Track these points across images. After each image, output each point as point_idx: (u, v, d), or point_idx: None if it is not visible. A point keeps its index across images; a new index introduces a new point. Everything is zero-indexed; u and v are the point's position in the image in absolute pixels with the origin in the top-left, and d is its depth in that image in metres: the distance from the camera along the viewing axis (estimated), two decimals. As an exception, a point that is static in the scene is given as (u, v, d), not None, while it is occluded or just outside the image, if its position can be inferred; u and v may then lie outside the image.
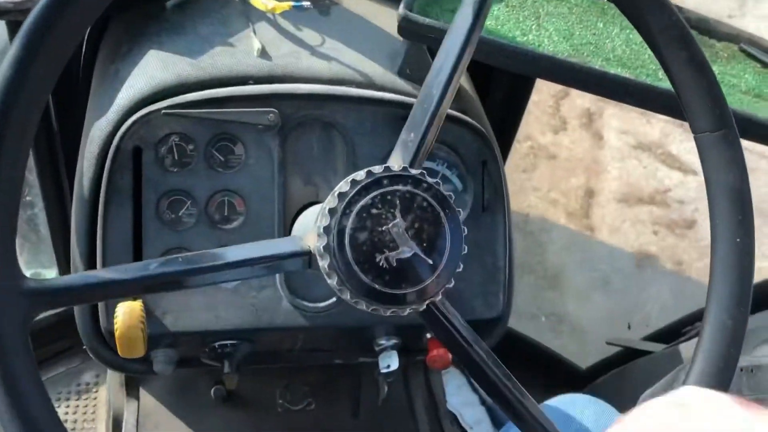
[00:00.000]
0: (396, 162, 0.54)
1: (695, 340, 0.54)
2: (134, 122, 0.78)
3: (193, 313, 0.79)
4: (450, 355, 0.88)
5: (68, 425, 1.32)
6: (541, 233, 2.13)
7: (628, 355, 1.33)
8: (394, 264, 0.48)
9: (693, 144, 0.53)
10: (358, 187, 0.49)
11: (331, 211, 0.49)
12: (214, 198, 0.81)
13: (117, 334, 0.67)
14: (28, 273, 1.77)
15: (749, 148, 0.82)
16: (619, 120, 2.43)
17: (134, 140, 0.78)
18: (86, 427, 1.32)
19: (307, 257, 0.51)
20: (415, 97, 0.87)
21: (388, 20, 1.03)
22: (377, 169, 0.50)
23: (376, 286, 0.48)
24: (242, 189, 0.82)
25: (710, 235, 0.52)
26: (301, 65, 0.86)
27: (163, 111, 0.77)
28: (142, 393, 1.18)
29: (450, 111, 0.87)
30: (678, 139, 2.38)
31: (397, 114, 0.85)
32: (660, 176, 2.32)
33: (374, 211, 0.48)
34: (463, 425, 1.48)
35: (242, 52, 0.86)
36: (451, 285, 0.52)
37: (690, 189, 2.26)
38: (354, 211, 0.48)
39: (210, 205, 0.81)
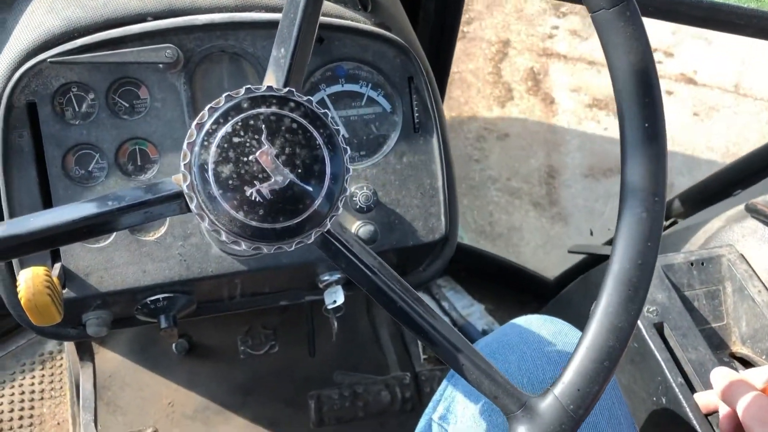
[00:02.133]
0: (269, 83, 0.49)
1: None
2: (22, 75, 0.72)
3: (119, 270, 0.76)
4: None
5: (35, 395, 1.30)
6: (510, 234, 1.88)
7: (592, 261, 1.32)
8: (269, 196, 0.43)
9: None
10: (216, 114, 0.44)
11: (190, 145, 0.44)
12: (124, 147, 0.76)
13: (22, 302, 0.63)
14: None
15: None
16: (567, 75, 2.22)
17: (26, 95, 0.73)
18: (53, 395, 1.30)
19: (182, 200, 0.46)
20: (330, 15, 0.82)
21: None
22: (240, 92, 0.45)
23: (252, 222, 0.43)
24: (152, 135, 0.76)
25: (618, 124, 0.48)
26: (202, -6, 0.79)
27: (50, 60, 0.71)
28: (100, 356, 1.16)
29: (367, 26, 0.82)
30: None
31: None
32: (623, 136, 2.14)
33: (237, 139, 0.43)
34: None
35: (138, -13, 0.79)
36: (339, 212, 0.48)
37: (656, 146, 2.12)
38: (214, 143, 0.43)
39: (120, 155, 0.76)
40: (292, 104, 0.45)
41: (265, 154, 0.43)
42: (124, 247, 0.76)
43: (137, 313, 0.81)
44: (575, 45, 2.29)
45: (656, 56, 2.22)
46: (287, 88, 0.46)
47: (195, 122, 0.45)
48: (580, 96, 2.17)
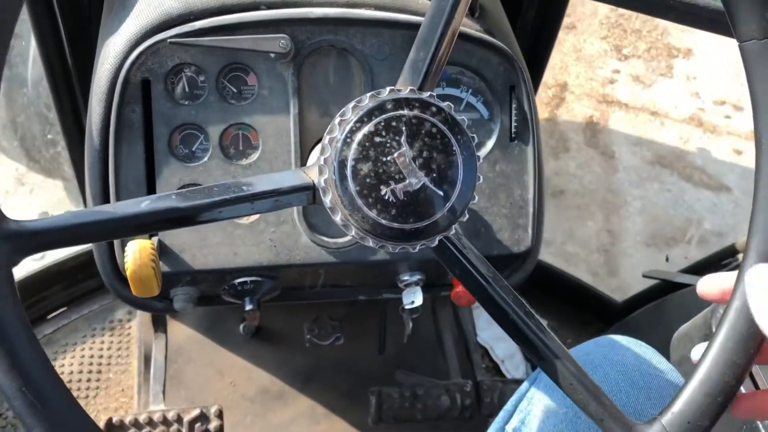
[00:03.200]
0: (404, 85, 0.49)
1: (735, 272, 0.49)
2: (141, 53, 0.74)
3: (211, 249, 0.78)
4: (476, 291, 0.86)
5: (103, 360, 1.35)
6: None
7: (666, 288, 1.29)
8: (402, 197, 0.44)
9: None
10: (361, 113, 0.45)
11: (332, 141, 0.45)
12: (228, 131, 0.78)
13: (128, 273, 0.65)
14: (58, 212, 1.78)
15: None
16: (628, 126, 2.06)
17: (142, 72, 0.75)
18: (120, 362, 1.35)
19: (310, 192, 0.47)
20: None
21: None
22: (382, 92, 0.46)
23: (383, 221, 0.44)
24: (256, 122, 0.78)
25: (755, 156, 0.47)
26: (315, -12, 0.81)
27: (170, 40, 0.73)
28: (171, 329, 1.19)
29: (475, 32, 0.82)
30: (699, 143, 2.02)
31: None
32: (688, 200, 1.91)
33: (378, 139, 0.44)
34: (494, 359, 1.47)
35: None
36: (465, 218, 0.48)
37: (725, 214, 1.89)
38: (356, 140, 0.44)
39: (224, 139, 0.78)
40: (433, 109, 0.45)
41: (403, 156, 0.44)
42: (219, 228, 0.78)
43: (223, 293, 0.83)
44: (637, 92, 2.18)
45: (724, 110, 2.14)
46: (429, 93, 0.46)
47: (338, 119, 0.45)
48: (642, 151, 2.02)
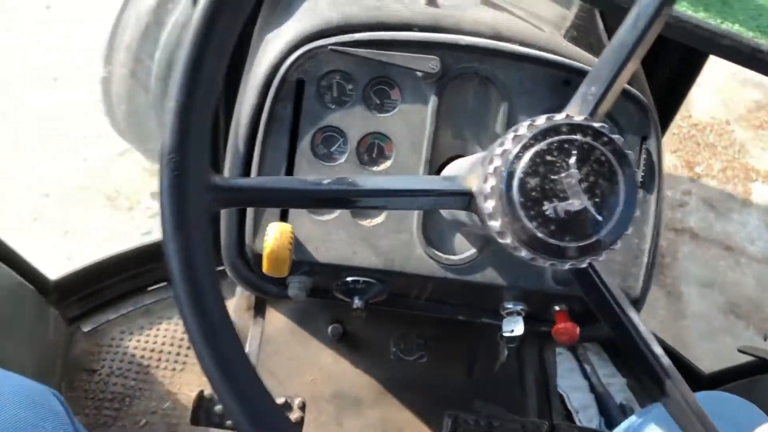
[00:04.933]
0: (573, 113, 0.52)
1: None
2: (301, 55, 0.80)
3: (333, 245, 0.82)
4: (578, 331, 0.86)
5: (186, 341, 1.42)
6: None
7: (760, 366, 1.25)
8: (562, 215, 0.46)
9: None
10: (536, 131, 0.48)
11: (504, 153, 0.48)
12: (366, 139, 0.83)
13: (266, 251, 0.70)
14: None
15: None
16: (699, 262, 1.86)
17: (299, 73, 0.81)
18: (210, 343, 1.41)
19: (467, 197, 0.51)
20: (579, 61, 0.85)
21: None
22: (558, 115, 0.49)
23: (540, 235, 0.47)
24: (393, 133, 0.83)
25: None
26: (466, 17, 0.85)
27: (330, 47, 0.79)
28: (268, 318, 1.24)
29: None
30: None
31: (559, 76, 0.83)
32: None
33: (549, 157, 0.47)
34: (569, 407, 1.45)
35: (410, -1, 0.86)
36: (616, 247, 0.50)
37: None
38: (528, 155, 0.47)
39: (361, 145, 0.83)
40: (605, 138, 0.48)
41: (570, 177, 0.46)
42: (343, 226, 0.82)
43: (335, 289, 0.87)
44: (710, 221, 1.97)
45: None
46: (601, 123, 0.49)
47: (512, 134, 0.49)
48: (714, 295, 1.81)
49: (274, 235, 0.69)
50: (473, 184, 0.50)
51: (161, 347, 1.40)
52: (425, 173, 0.82)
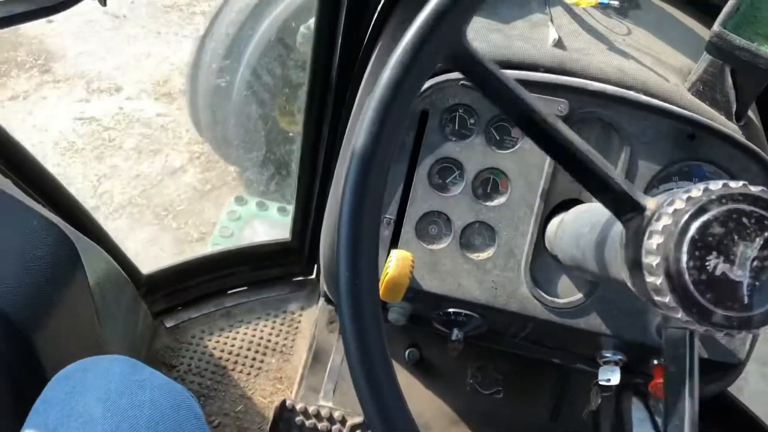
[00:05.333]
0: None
1: None
2: (429, 87, 0.82)
3: (439, 275, 0.83)
4: (676, 387, 0.85)
5: (269, 345, 1.44)
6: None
7: None
8: (720, 277, 0.46)
9: None
10: (698, 205, 0.47)
11: (676, 213, 0.48)
12: (482, 174, 0.84)
13: (387, 277, 0.71)
14: (269, 203, 1.92)
15: None
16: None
17: (425, 104, 0.83)
18: (285, 351, 1.44)
19: (638, 213, 0.52)
20: (703, 116, 0.84)
21: (683, 33, 0.99)
22: (733, 183, 0.49)
23: (711, 308, 0.46)
24: (511, 170, 0.83)
25: None
26: (592, 62, 0.85)
27: (461, 82, 0.80)
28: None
29: (742, 139, 0.83)
30: None
31: (683, 130, 0.82)
32: None
33: (714, 229, 0.46)
34: (638, 461, 1.42)
35: (537, 39, 0.87)
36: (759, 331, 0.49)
37: None
38: (693, 229, 0.47)
39: (477, 179, 0.84)
40: None
41: (744, 247, 0.46)
42: (451, 257, 0.83)
43: (435, 319, 0.88)
44: None
45: None
46: None
47: (685, 195, 0.48)
48: None
49: (396, 263, 0.70)
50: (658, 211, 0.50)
51: (238, 350, 1.43)
52: (538, 213, 0.82)
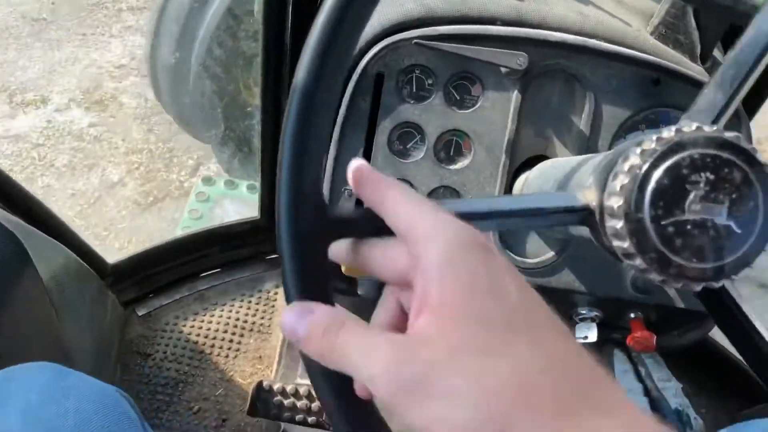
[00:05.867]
0: (698, 121, 0.49)
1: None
2: (383, 48, 0.78)
3: None
4: (654, 339, 0.84)
5: (246, 325, 1.42)
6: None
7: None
8: (698, 235, 0.43)
9: None
10: (666, 144, 0.45)
11: (632, 169, 0.45)
12: (443, 136, 0.81)
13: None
14: (238, 181, 1.86)
15: None
16: None
17: (380, 66, 0.79)
18: (262, 330, 1.41)
19: (584, 213, 0.48)
20: (667, 59, 0.81)
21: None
22: (686, 126, 0.46)
23: (671, 256, 0.44)
24: (473, 131, 0.80)
25: None
26: (551, 11, 0.82)
27: (415, 41, 0.77)
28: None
29: (704, 78, 0.80)
30: None
31: (646, 76, 0.80)
32: None
33: (681, 174, 0.44)
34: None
35: (493, -9, 0.83)
36: (751, 267, 0.47)
37: None
38: (658, 172, 0.44)
39: (439, 142, 0.81)
40: (740, 150, 0.45)
41: (704, 196, 0.43)
42: None
43: (406, 288, 0.85)
44: None
45: None
46: (735, 134, 0.46)
47: (638, 148, 0.46)
48: None
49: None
50: (592, 198, 0.47)
51: (215, 333, 1.40)
52: (503, 172, 0.80)
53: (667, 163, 0.44)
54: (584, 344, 0.85)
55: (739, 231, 0.44)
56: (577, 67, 0.79)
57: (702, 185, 0.43)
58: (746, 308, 0.49)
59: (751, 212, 0.44)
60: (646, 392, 1.48)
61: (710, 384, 1.49)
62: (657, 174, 0.44)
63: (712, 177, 0.43)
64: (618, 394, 0.33)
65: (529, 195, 0.49)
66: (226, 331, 1.41)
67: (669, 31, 0.85)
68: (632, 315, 0.85)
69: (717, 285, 0.45)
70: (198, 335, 1.40)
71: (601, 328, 0.87)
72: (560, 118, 0.81)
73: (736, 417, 1.43)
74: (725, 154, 0.44)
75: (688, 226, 0.43)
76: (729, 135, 0.45)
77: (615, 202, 0.45)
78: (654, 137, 0.46)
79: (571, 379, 0.32)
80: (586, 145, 0.80)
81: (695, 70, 0.82)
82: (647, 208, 0.44)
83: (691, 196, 0.43)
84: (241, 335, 1.41)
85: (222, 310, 1.44)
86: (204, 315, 1.43)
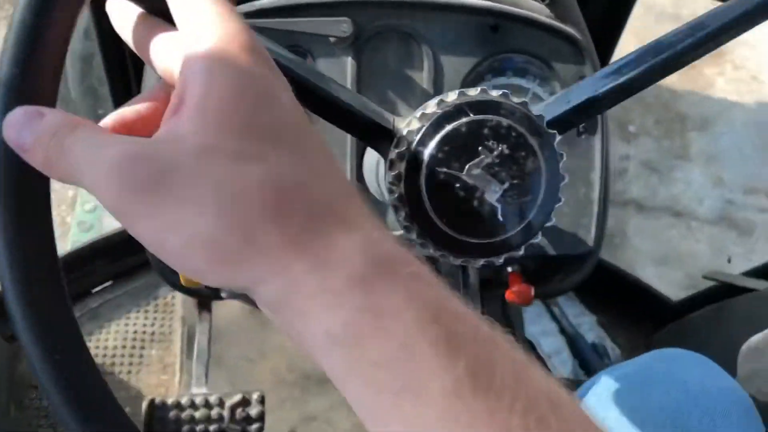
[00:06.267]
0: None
1: None
2: None
3: None
4: (532, 291, 0.82)
5: (146, 337, 1.35)
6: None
7: (727, 290, 1.23)
8: (476, 208, 0.41)
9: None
10: (446, 108, 0.41)
11: (410, 134, 0.42)
12: None
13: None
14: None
15: None
16: (650, 238, 1.68)
17: None
18: (163, 340, 1.35)
19: (383, 131, 0.45)
20: (503, 2, 0.78)
21: None
22: (471, 90, 0.42)
23: (449, 232, 0.41)
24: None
25: None
26: (378, -33, 0.77)
27: None
28: (216, 310, 1.18)
29: (546, 19, 0.77)
30: (736, 256, 1.66)
31: (484, 23, 0.76)
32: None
33: (460, 141, 0.40)
34: (540, 354, 1.43)
35: (315, -46, 0.78)
36: (537, 240, 0.45)
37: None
38: (436, 139, 0.41)
39: None
40: (523, 116, 0.42)
41: (485, 163, 0.40)
42: None
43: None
44: (653, 186, 1.78)
45: (757, 201, 1.81)
46: (522, 100, 0.43)
47: (420, 111, 0.43)
48: (671, 272, 1.64)
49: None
50: (398, 125, 0.44)
51: (113, 351, 1.33)
52: (352, 145, 0.75)
53: (448, 128, 0.41)
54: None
55: (500, 218, 0.41)
56: (409, 25, 0.75)
57: (494, 155, 0.40)
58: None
59: (535, 181, 0.42)
60: (562, 331, 1.50)
61: (623, 310, 1.52)
62: (462, 120, 0.41)
63: (507, 152, 0.40)
64: (364, 214, 0.32)
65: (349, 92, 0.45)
66: (125, 346, 1.34)
67: (504, -29, 0.81)
68: (510, 269, 0.83)
69: (500, 261, 0.43)
70: (96, 356, 1.33)
71: (483, 288, 0.85)
72: (402, 79, 0.76)
73: (650, 340, 1.46)
74: (508, 122, 0.41)
75: (458, 185, 0.40)
76: (517, 101, 0.42)
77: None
78: (436, 101, 0.42)
79: (326, 195, 0.31)
80: None
81: (535, 8, 0.79)
82: (433, 144, 0.41)
83: (477, 159, 0.40)
84: (142, 347, 1.34)
85: (119, 325, 1.37)
86: (100, 334, 1.35)
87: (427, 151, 0.42)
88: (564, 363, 1.42)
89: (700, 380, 0.69)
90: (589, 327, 1.50)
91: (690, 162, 1.86)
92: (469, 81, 0.77)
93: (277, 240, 0.29)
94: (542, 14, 0.79)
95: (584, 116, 0.47)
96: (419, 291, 0.30)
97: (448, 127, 0.41)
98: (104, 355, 1.32)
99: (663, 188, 1.81)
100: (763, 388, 0.83)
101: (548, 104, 0.46)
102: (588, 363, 1.40)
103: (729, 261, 1.63)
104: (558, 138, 0.44)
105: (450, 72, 0.76)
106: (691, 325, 1.27)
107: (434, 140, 0.42)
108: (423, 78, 0.76)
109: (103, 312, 1.38)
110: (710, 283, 1.35)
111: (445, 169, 0.40)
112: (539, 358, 1.43)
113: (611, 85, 0.45)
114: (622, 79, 0.45)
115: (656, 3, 2.09)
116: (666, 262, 1.68)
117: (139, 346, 1.34)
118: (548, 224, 0.45)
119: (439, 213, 0.41)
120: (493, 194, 0.41)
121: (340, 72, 0.74)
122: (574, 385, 0.87)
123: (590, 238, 0.80)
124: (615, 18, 1.03)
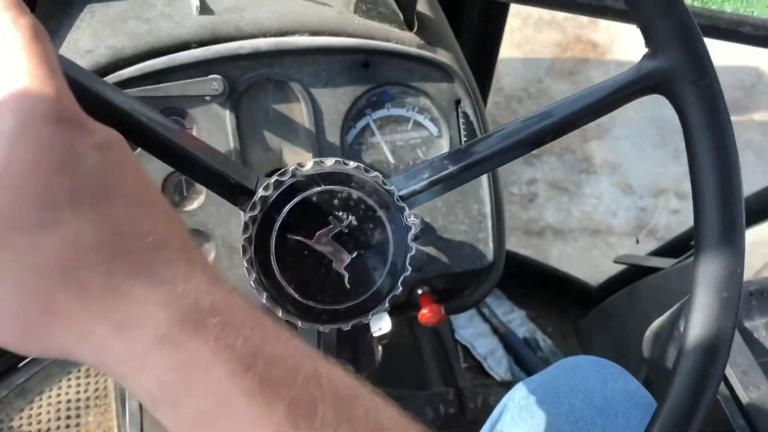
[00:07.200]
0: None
1: None
2: None
3: None
4: (442, 310, 0.85)
5: (81, 404, 1.32)
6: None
7: (638, 272, 1.29)
8: (323, 273, 0.43)
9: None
10: (299, 177, 0.43)
11: (263, 200, 0.44)
12: (171, 179, 0.76)
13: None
14: None
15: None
16: (573, 263, 1.69)
17: None
18: (98, 404, 1.32)
19: (247, 200, 0.47)
20: (374, 37, 0.80)
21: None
22: (328, 160, 0.45)
23: (296, 295, 0.44)
24: None
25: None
26: (244, 18, 0.78)
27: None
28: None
29: (412, 49, 0.80)
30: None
31: (356, 60, 0.78)
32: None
33: (334, 202, 0.43)
34: (476, 356, 1.47)
35: (181, 12, 0.78)
36: (398, 292, 0.47)
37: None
38: (317, 189, 0.43)
39: (167, 187, 0.76)
40: (370, 187, 0.44)
41: (334, 233, 0.42)
42: None
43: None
44: (566, 207, 1.79)
45: (666, 201, 1.84)
46: (375, 173, 0.45)
47: (275, 178, 0.44)
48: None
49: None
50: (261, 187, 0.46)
51: (48, 425, 1.30)
52: None
53: (329, 188, 0.43)
54: (382, 335, 0.85)
55: (348, 286, 0.44)
56: (282, 72, 0.76)
57: (344, 225, 0.42)
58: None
59: (372, 275, 0.44)
60: (494, 330, 1.54)
61: (549, 302, 1.57)
62: (314, 189, 0.43)
63: (356, 223, 0.42)
64: (174, 263, 0.32)
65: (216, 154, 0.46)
66: (59, 418, 1.31)
67: (370, 5, 0.84)
68: (419, 291, 0.86)
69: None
70: (30, 432, 1.29)
71: (395, 312, 0.87)
72: (283, 125, 0.78)
73: (577, 326, 1.51)
74: (355, 192, 0.43)
75: (306, 252, 0.43)
76: (370, 175, 0.44)
77: (264, 191, 0.45)
78: (291, 168, 0.44)
79: (129, 251, 0.31)
80: (318, 145, 0.78)
81: (404, 39, 0.81)
82: (285, 211, 0.43)
83: (326, 228, 0.42)
84: (78, 416, 1.31)
85: (50, 397, 1.33)
86: (31, 409, 1.31)
87: (279, 217, 0.43)
88: (499, 362, 1.45)
89: (601, 388, 0.72)
90: (519, 323, 1.55)
91: (596, 174, 1.87)
92: (351, 117, 0.79)
93: (78, 306, 0.30)
94: (412, 43, 0.81)
95: (437, 191, 0.49)
96: (228, 341, 0.30)
97: (300, 196, 0.43)
98: (39, 430, 1.29)
99: (575, 207, 1.81)
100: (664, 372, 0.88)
101: (403, 178, 0.49)
102: (522, 358, 1.44)
103: (637, 242, 1.71)
104: (407, 211, 0.46)
105: (330, 111, 0.78)
106: (610, 308, 1.32)
107: (286, 207, 0.43)
108: (304, 120, 0.77)
109: (31, 386, 1.34)
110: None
111: (295, 236, 0.42)
112: (475, 361, 1.46)
113: (464, 163, 0.48)
114: (475, 158, 0.48)
115: (531, 13, 2.11)
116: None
117: (74, 415, 1.31)
118: (396, 293, 0.47)
119: (288, 278, 0.43)
120: (341, 263, 0.42)
121: (220, 127, 0.75)
122: (509, 387, 0.90)
123: (489, 252, 0.83)
124: (490, 34, 1.07)
